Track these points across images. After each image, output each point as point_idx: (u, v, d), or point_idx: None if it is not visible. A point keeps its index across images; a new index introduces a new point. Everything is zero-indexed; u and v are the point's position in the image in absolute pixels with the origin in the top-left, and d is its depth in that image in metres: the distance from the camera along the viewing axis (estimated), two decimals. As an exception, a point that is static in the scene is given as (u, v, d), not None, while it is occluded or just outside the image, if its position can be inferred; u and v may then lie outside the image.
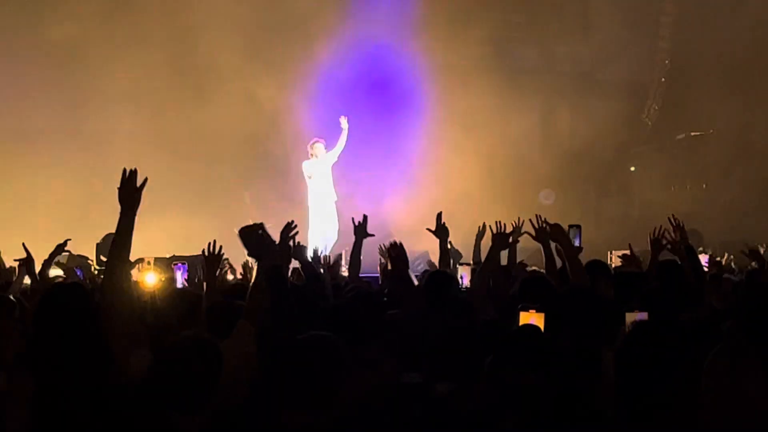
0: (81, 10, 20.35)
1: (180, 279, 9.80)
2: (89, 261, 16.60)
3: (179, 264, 10.14)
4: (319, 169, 18.69)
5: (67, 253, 17.03)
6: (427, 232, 8.70)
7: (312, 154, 18.69)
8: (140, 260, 11.01)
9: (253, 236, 5.56)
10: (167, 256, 14.64)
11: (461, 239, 14.58)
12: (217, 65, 21.26)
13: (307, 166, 18.74)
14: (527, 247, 10.55)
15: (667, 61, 26.39)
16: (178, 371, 4.37)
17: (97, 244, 17.27)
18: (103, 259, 16.69)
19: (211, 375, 4.42)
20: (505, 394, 4.71)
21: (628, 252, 9.91)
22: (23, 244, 8.68)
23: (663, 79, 26.54)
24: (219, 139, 22.17)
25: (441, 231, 8.63)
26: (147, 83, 21.12)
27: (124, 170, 5.42)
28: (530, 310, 5.44)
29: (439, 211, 8.58)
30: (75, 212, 19.49)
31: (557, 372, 4.77)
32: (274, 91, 21.32)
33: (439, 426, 4.89)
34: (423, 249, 18.07)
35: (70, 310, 5.18)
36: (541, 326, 5.25)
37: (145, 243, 6.87)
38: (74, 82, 21.47)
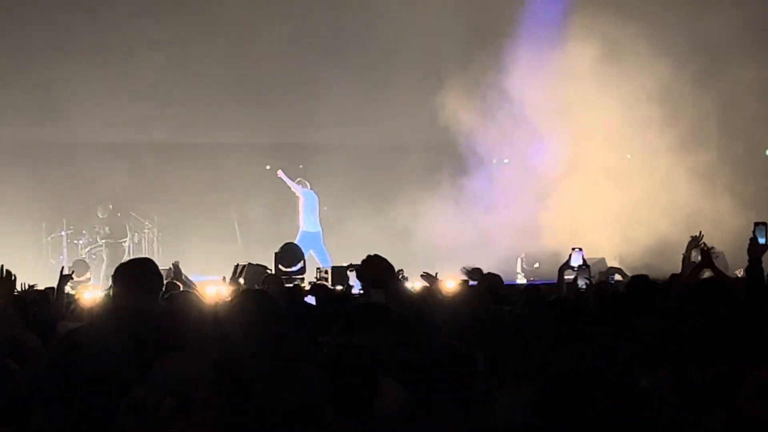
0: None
1: (356, 286, 10.05)
2: (268, 270, 17.02)
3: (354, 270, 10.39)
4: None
5: (246, 263, 17.67)
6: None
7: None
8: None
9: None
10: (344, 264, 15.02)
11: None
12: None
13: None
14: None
15: None
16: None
17: (276, 254, 17.66)
18: (282, 268, 17.14)
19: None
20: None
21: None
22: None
23: None
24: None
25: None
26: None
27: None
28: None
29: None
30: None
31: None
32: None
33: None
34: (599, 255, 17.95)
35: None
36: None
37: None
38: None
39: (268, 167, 24.21)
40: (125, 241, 22.36)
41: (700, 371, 4.92)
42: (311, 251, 20.40)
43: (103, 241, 22.19)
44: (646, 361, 5.39)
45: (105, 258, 21.68)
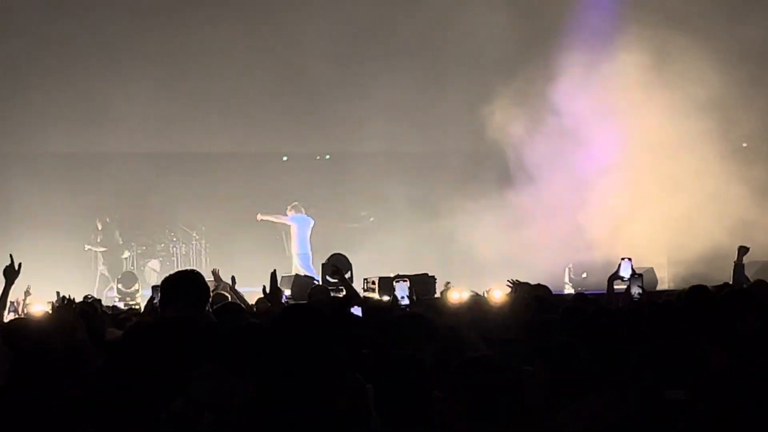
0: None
1: (401, 295, 10.03)
2: (315, 281, 17.06)
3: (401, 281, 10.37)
4: None
5: (293, 275, 17.73)
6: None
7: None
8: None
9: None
10: (391, 275, 14.97)
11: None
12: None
13: None
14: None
15: None
16: None
17: (323, 264, 17.68)
18: (329, 279, 17.14)
19: None
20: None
21: None
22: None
23: None
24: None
25: None
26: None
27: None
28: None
29: None
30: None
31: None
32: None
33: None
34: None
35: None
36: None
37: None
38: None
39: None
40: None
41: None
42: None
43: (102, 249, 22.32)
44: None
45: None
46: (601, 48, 20.30)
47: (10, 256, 8.03)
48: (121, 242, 23.02)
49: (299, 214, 21.35)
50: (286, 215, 21.35)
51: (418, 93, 21.59)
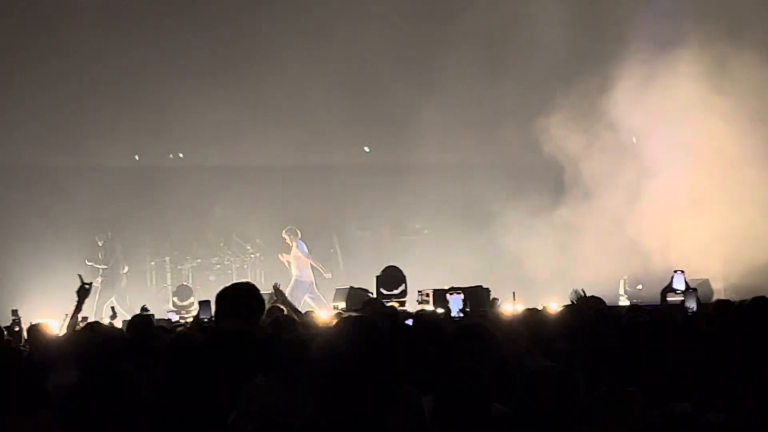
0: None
1: (455, 308, 10.04)
2: (369, 293, 17.08)
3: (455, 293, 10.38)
4: None
5: (348, 287, 17.76)
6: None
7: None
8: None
9: None
10: (445, 287, 14.98)
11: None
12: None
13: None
14: None
15: None
16: None
17: (378, 277, 17.70)
18: (384, 291, 17.18)
19: None
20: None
21: None
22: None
23: None
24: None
25: None
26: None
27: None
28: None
29: None
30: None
31: None
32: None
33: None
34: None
35: None
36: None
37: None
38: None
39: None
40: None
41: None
42: (307, 297, 20.58)
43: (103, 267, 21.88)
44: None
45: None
46: (660, 59, 20.15)
47: (80, 276, 8.79)
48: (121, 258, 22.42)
49: (299, 239, 21.45)
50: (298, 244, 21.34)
51: (474, 105, 21.57)
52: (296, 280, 20.92)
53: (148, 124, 21.94)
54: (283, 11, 21.86)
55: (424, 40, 21.79)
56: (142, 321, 8.74)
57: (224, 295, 6.29)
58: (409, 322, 9.37)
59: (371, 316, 7.99)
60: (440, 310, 13.08)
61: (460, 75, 21.43)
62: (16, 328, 11.25)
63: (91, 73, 21.69)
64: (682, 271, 9.25)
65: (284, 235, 21.39)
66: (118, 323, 12.58)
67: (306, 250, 21.30)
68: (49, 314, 12.14)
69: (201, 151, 22.82)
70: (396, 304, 14.79)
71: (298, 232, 21.49)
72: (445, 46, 21.42)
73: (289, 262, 21.24)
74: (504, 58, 20.73)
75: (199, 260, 23.85)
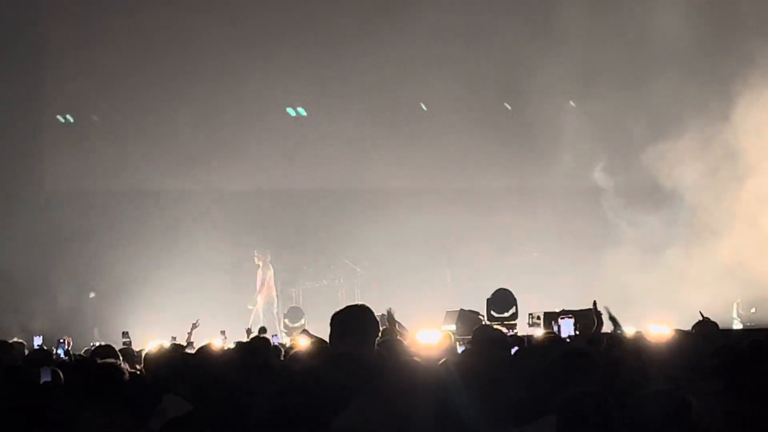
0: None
1: (565, 331, 10.03)
2: (480, 316, 17.07)
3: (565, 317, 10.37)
4: None
5: (458, 310, 17.78)
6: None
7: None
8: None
9: None
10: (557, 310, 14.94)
11: None
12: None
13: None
14: None
15: None
16: None
17: (488, 299, 17.65)
18: (494, 314, 17.16)
19: None
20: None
21: None
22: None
23: None
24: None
25: None
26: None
27: None
28: None
29: None
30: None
31: None
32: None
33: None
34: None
35: None
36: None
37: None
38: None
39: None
40: None
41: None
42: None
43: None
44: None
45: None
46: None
47: None
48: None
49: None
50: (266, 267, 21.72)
51: (585, 128, 21.52)
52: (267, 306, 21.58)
53: (264, 149, 22.40)
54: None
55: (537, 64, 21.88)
56: (261, 344, 8.85)
57: (339, 317, 6.36)
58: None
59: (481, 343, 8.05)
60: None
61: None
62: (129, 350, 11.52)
63: (213, 99, 22.36)
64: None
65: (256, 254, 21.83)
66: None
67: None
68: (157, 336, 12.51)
69: (308, 175, 23.16)
70: (504, 328, 14.80)
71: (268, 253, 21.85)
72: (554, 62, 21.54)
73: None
74: (615, 80, 20.69)
75: (310, 282, 24.11)
